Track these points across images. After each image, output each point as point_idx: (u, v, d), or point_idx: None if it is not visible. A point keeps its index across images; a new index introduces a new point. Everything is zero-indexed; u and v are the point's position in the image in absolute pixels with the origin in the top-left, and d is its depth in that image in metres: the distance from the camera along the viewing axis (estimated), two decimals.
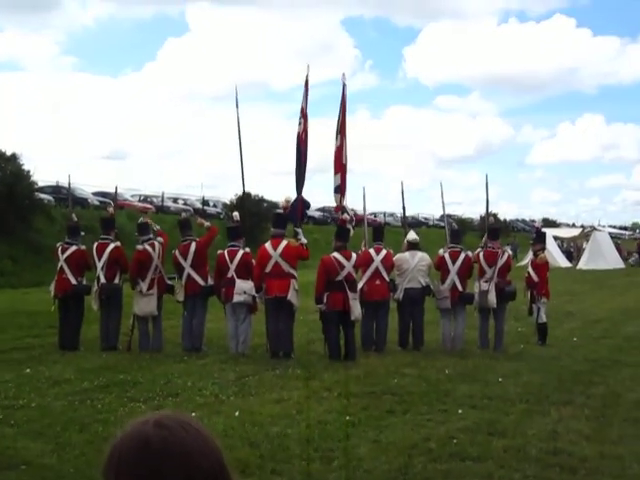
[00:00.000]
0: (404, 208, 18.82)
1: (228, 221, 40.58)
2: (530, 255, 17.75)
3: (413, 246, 15.74)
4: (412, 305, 15.37)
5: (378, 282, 15.11)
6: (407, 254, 15.61)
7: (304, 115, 15.81)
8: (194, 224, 16.41)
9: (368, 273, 15.11)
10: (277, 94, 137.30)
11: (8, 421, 9.34)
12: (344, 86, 16.39)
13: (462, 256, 15.41)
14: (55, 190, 41.33)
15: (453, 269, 15.37)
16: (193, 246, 15.03)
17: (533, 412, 10.06)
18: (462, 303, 15.46)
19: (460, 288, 15.37)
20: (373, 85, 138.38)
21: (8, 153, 34.93)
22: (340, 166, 16.13)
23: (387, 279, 15.27)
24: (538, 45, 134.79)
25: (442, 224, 25.43)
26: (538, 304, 16.07)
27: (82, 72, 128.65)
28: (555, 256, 48.83)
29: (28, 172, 35.31)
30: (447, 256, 15.48)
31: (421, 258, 15.53)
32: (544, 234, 17.73)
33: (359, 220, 16.84)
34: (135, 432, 1.85)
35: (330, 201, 17.50)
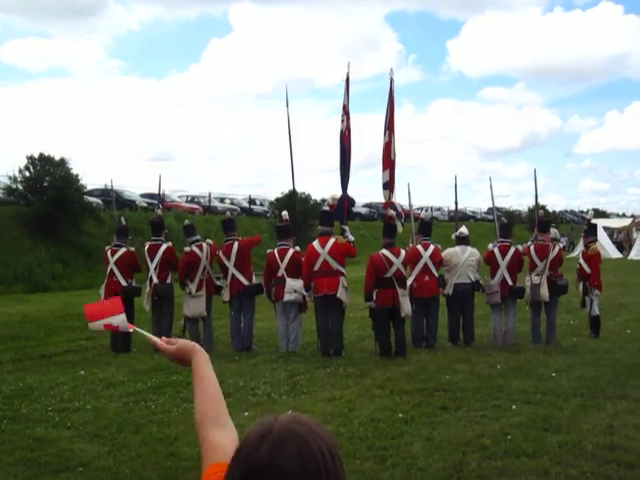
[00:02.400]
0: (456, 203, 18.76)
1: (275, 220, 40.83)
2: (581, 247, 17.58)
3: (462, 241, 15.62)
4: (462, 300, 15.28)
5: (427, 278, 15.05)
6: (457, 249, 15.51)
7: (346, 112, 15.81)
8: (238, 224, 16.44)
9: (417, 269, 15.05)
10: (322, 91, 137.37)
11: (64, 423, 9.44)
12: (391, 81, 16.34)
13: (512, 250, 15.27)
14: (103, 193, 41.66)
15: (503, 263, 15.24)
16: (236, 246, 15.06)
17: (588, 406, 9.95)
18: (512, 297, 15.32)
19: (510, 282, 15.23)
20: (417, 79, 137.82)
21: (57, 158, 35.32)
22: (389, 162, 16.10)
23: (436, 275, 15.20)
24: (584, 33, 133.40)
25: (489, 217, 25.32)
26: (591, 296, 15.88)
27: (128, 75, 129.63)
28: (606, 247, 48.26)
29: (77, 176, 35.65)
30: (496, 250, 15.35)
31: (471, 253, 15.41)
32: (595, 226, 17.49)
33: (406, 215, 16.79)
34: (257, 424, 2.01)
35: (376, 196, 17.58)
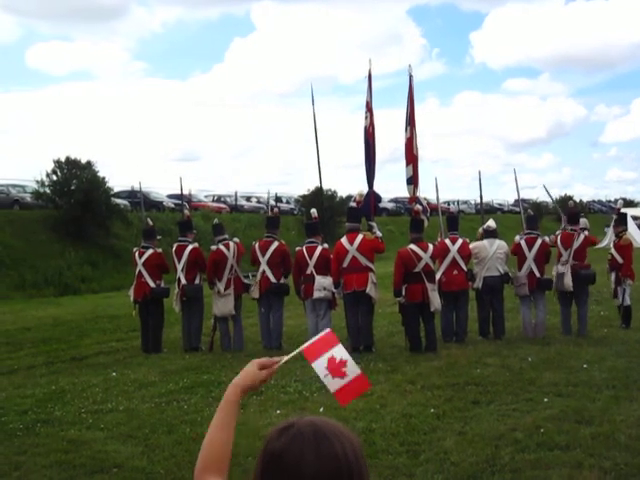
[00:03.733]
0: (481, 197, 18.66)
1: (302, 217, 40.88)
2: (611, 236, 17.48)
3: (491, 234, 15.56)
4: (491, 294, 15.23)
5: (456, 272, 15.03)
6: (485, 242, 15.46)
7: (369, 109, 15.82)
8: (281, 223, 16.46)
9: (445, 263, 15.02)
10: (346, 87, 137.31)
11: (98, 425, 9.51)
12: (411, 77, 16.36)
13: (539, 242, 15.19)
14: (130, 195, 41.90)
15: (530, 255, 15.18)
16: (275, 245, 15.10)
17: (620, 398, 9.89)
18: (540, 289, 15.26)
19: (538, 274, 15.16)
20: (441, 73, 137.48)
21: (83, 161, 35.56)
22: (412, 157, 16.11)
23: (465, 269, 15.17)
24: (607, 22, 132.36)
25: (517, 209, 25.24)
26: (623, 286, 15.79)
27: (152, 77, 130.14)
28: (635, 236, 47.89)
29: (103, 178, 35.94)
30: (523, 242, 15.29)
31: (499, 246, 15.36)
32: (625, 215, 17.43)
33: (433, 210, 16.77)
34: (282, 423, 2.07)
35: (402, 191, 17.54)
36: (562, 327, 15.45)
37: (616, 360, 12.41)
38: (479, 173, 17.90)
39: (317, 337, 3.00)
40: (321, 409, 9.72)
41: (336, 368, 2.92)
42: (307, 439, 1.95)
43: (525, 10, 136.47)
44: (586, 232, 15.64)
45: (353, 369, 2.86)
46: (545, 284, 15.25)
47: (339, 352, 2.87)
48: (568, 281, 14.95)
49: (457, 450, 7.89)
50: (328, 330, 2.90)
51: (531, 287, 15.16)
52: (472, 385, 10.90)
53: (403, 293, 13.93)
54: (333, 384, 2.85)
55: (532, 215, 16.24)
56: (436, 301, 13.95)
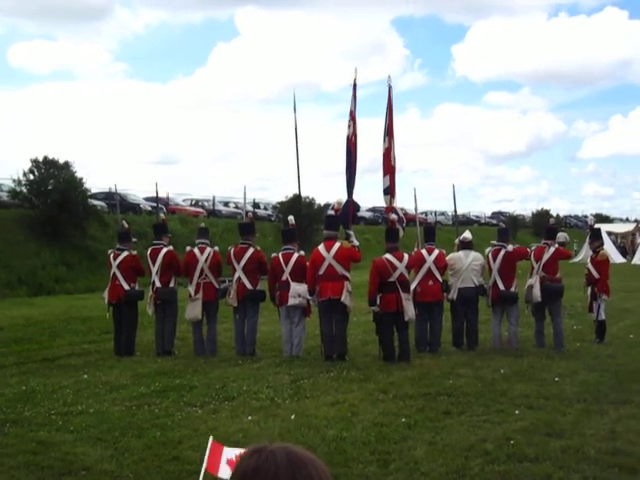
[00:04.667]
0: (455, 210, 18.70)
1: (279, 224, 40.87)
2: (586, 251, 17.59)
3: (466, 245, 15.62)
4: (466, 305, 15.29)
5: (431, 282, 15.07)
6: (461, 253, 15.53)
7: (353, 118, 15.82)
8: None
9: (421, 274, 15.07)
10: (328, 95, 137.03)
11: (67, 427, 9.44)
12: (390, 88, 16.40)
13: (502, 253, 15.29)
14: (108, 196, 41.73)
15: (494, 266, 15.29)
16: (250, 252, 15.07)
17: (591, 412, 9.95)
18: (502, 302, 15.32)
19: (502, 286, 15.23)
20: (422, 84, 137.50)
21: (61, 161, 35.38)
22: (389, 167, 16.14)
23: (440, 279, 15.21)
24: (589, 38, 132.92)
25: (494, 222, 25.38)
26: (599, 301, 15.88)
27: (133, 79, 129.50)
28: (609, 252, 48.22)
29: (81, 179, 35.74)
30: (490, 255, 15.43)
31: (474, 257, 15.42)
32: (599, 230, 17.51)
33: (410, 220, 16.82)
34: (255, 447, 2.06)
35: (381, 201, 17.48)
36: (535, 340, 15.51)
37: (588, 374, 12.48)
38: (453, 187, 17.98)
39: (207, 453, 3.39)
40: (292, 416, 9.72)
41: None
42: (281, 461, 1.94)
43: (508, 24, 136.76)
44: (556, 245, 15.72)
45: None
46: (506, 297, 15.28)
47: (230, 452, 3.21)
48: (536, 292, 15.04)
49: (427, 460, 7.90)
50: (211, 440, 3.22)
51: (494, 298, 15.26)
52: (444, 395, 10.92)
53: (378, 302, 13.95)
54: None
55: (503, 228, 16.27)
56: (410, 311, 13.97)
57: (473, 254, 15.48)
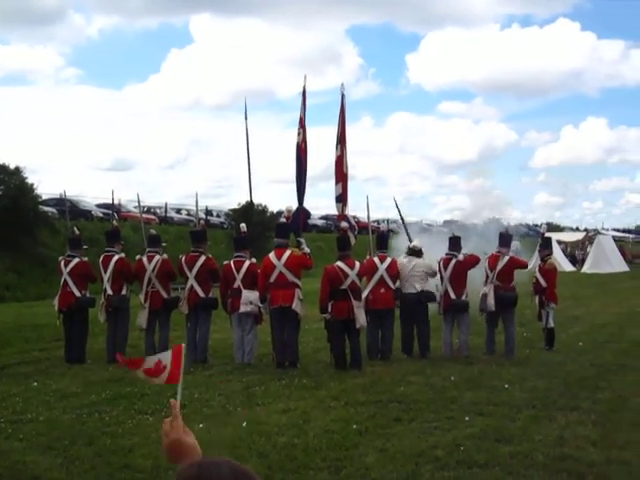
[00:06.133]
0: (402, 219, 18.53)
1: (232, 231, 40.75)
2: (536, 260, 17.76)
3: (416, 253, 15.65)
4: (410, 311, 15.37)
5: (383, 290, 15.13)
6: (405, 260, 15.60)
7: (303, 125, 15.85)
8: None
9: (373, 281, 15.11)
10: (281, 102, 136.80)
11: (17, 435, 9.36)
12: (343, 96, 16.44)
13: (453, 262, 15.41)
14: (59, 203, 41.29)
15: (445, 275, 15.42)
16: (202, 260, 15.04)
17: (539, 418, 10.06)
18: (453, 311, 15.44)
19: (453, 295, 15.36)
20: (376, 93, 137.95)
21: (12, 167, 35.01)
22: (341, 175, 16.18)
23: (393, 287, 15.28)
24: (542, 50, 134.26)
25: (445, 230, 25.42)
26: (547, 309, 16.07)
27: (86, 84, 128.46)
28: (559, 260, 48.80)
29: (32, 185, 35.40)
30: (441, 263, 15.54)
31: (416, 264, 15.44)
32: (550, 239, 17.68)
33: (363, 228, 16.88)
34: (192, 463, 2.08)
35: (333, 209, 17.49)
36: (486, 347, 15.64)
37: (537, 381, 12.61)
38: (394, 199, 17.91)
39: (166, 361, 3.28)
40: (244, 423, 9.72)
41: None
42: (225, 472, 1.96)
43: (461, 34, 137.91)
44: (511, 254, 15.88)
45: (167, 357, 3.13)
46: (457, 306, 15.41)
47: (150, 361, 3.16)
48: (490, 301, 15.19)
49: (378, 466, 7.95)
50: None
51: (445, 307, 15.39)
52: (395, 402, 10.97)
53: (329, 309, 13.98)
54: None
55: (454, 237, 16.38)
56: (362, 318, 14.02)
57: (416, 260, 15.50)
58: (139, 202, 19.87)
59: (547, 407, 10.67)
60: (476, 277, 15.91)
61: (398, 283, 15.48)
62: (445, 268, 15.44)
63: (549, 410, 10.49)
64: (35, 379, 13.09)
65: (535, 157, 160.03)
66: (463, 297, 15.47)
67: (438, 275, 15.63)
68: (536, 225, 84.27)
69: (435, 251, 16.27)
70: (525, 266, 16.53)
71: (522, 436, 9.11)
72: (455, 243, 15.90)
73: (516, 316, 16.10)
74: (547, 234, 18.59)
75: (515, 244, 16.09)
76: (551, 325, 16.17)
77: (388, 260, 15.37)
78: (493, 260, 15.62)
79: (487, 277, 15.62)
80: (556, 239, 51.03)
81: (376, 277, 15.14)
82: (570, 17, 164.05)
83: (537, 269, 16.85)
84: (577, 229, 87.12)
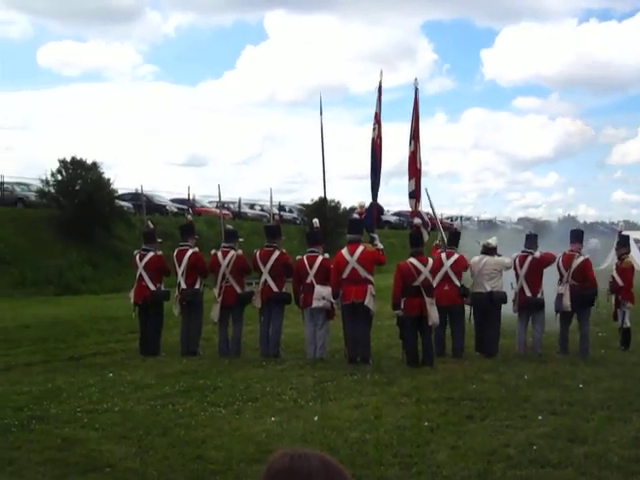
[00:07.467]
0: (434, 212, 17.86)
1: (305, 226, 40.90)
2: (612, 259, 17.44)
3: (489, 251, 15.49)
4: (479, 310, 15.26)
5: (447, 287, 15.03)
6: (476, 258, 15.47)
7: (378, 121, 15.81)
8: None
9: (438, 278, 14.96)
10: (355, 98, 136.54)
11: (92, 425, 9.52)
12: (416, 91, 16.36)
13: (529, 260, 15.23)
14: (134, 197, 41.85)
15: (521, 273, 15.25)
16: (276, 254, 15.09)
17: (614, 419, 9.88)
18: (530, 309, 15.27)
19: (528, 292, 15.18)
20: (450, 88, 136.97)
21: (89, 162, 35.63)
22: (415, 171, 16.11)
23: (457, 284, 15.18)
24: (620, 44, 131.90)
25: (519, 227, 25.18)
26: (623, 308, 15.81)
27: (162, 81, 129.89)
28: (636, 259, 47.89)
29: (108, 180, 36.02)
30: (517, 261, 15.37)
31: (486, 262, 15.29)
32: (627, 237, 17.34)
33: (434, 224, 16.75)
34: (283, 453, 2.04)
35: (406, 205, 17.34)
36: (559, 346, 15.44)
37: (612, 381, 12.40)
38: (426, 191, 17.05)
39: None
40: (315, 418, 9.75)
41: None
42: (315, 465, 1.96)
43: (538, 29, 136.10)
44: (586, 255, 15.61)
45: None
46: (533, 304, 15.24)
47: None
48: (566, 301, 14.95)
49: (449, 464, 7.89)
50: None
51: (521, 304, 15.22)
52: (467, 400, 10.89)
53: (401, 306, 13.94)
54: None
55: (531, 234, 16.18)
56: (434, 315, 13.92)
57: (487, 258, 15.36)
58: (219, 195, 19.89)
59: (622, 408, 10.48)
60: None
61: (471, 281, 15.40)
62: (521, 266, 15.27)
63: (624, 411, 10.30)
64: (111, 370, 13.31)
65: (612, 154, 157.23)
66: (539, 295, 15.29)
67: (513, 272, 15.49)
68: (613, 223, 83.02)
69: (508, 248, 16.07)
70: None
71: (596, 437, 8.96)
72: (532, 240, 15.72)
73: (592, 315, 15.84)
74: (624, 232, 18.29)
75: (594, 242, 15.80)
76: (627, 325, 15.90)
77: (455, 256, 15.30)
78: (567, 259, 15.40)
79: (561, 276, 15.41)
80: (634, 237, 50.03)
81: (441, 273, 15.05)
82: None
83: (614, 268, 16.59)
84: None
